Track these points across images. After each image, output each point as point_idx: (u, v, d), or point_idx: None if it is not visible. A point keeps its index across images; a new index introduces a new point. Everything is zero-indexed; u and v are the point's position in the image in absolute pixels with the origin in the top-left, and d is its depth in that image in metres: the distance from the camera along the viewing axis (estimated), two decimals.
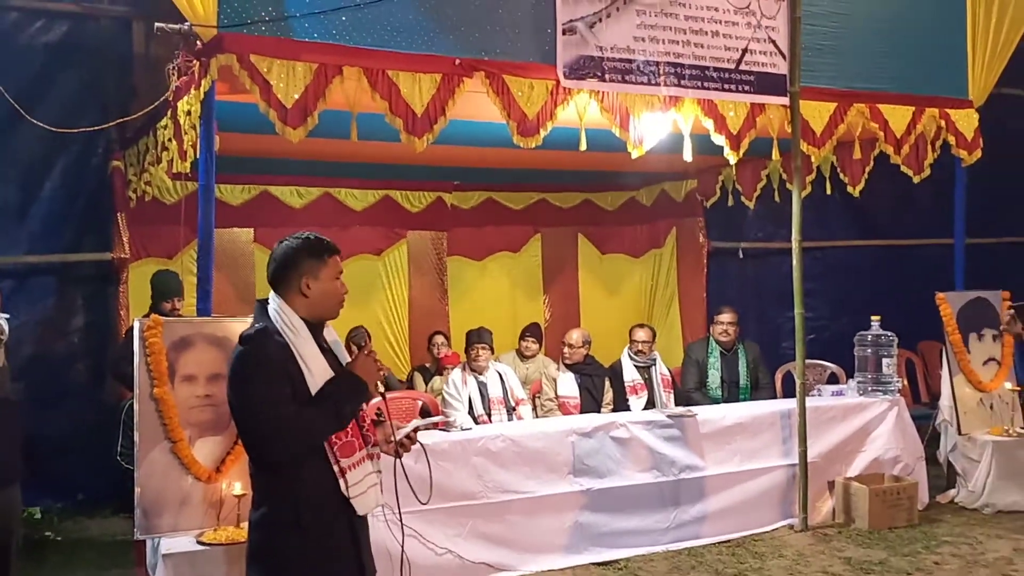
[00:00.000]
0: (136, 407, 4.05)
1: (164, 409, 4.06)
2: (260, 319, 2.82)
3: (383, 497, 2.91)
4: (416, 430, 3.06)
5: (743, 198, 7.62)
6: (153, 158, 5.40)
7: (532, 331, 7.15)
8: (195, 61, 4.31)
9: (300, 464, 2.71)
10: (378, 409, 3.01)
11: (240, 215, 7.27)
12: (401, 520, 2.97)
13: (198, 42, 4.25)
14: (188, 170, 4.70)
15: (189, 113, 4.44)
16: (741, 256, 8.50)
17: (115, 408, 5.80)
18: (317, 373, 2.77)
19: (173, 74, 4.57)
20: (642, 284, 9.06)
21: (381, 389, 2.89)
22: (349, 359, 2.94)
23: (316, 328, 2.88)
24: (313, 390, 2.75)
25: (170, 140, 4.93)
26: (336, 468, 2.75)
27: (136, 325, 4.12)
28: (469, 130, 5.44)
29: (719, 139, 5.36)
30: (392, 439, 2.97)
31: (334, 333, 2.99)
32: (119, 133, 6.09)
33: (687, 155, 5.30)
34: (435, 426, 4.59)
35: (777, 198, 7.18)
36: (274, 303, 2.84)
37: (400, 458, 2.95)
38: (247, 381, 2.70)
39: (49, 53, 6.13)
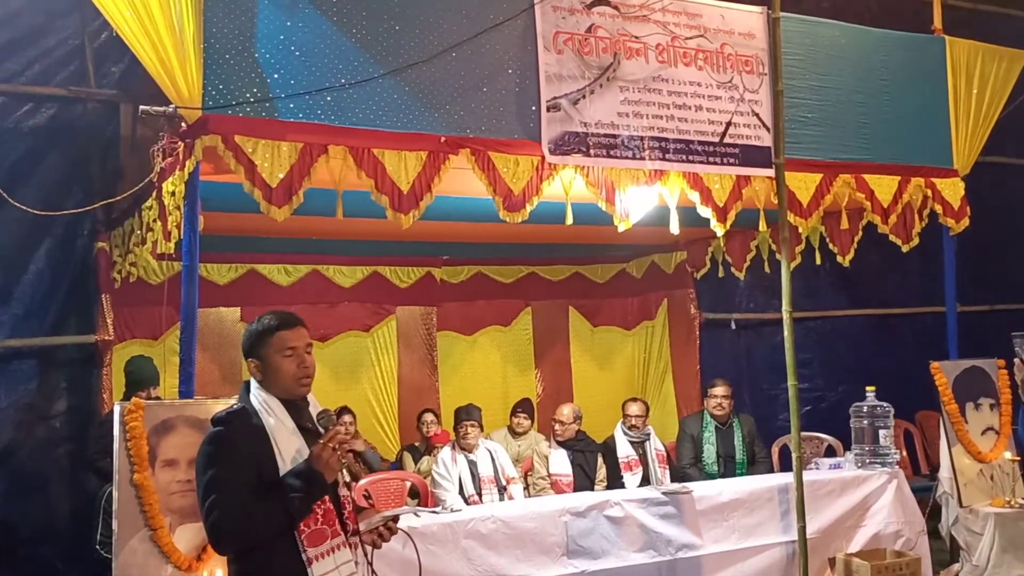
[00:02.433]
0: (115, 494, 3.94)
1: (144, 495, 3.95)
2: (242, 400, 2.79)
3: None
4: (395, 519, 2.93)
5: (733, 269, 7.60)
6: (138, 239, 5.36)
7: (524, 407, 7.05)
8: (180, 142, 4.29)
9: (273, 550, 2.62)
10: (366, 491, 2.93)
11: (227, 294, 7.20)
12: None
13: (183, 124, 4.23)
14: (172, 251, 4.65)
15: (173, 194, 4.41)
16: (733, 327, 8.45)
17: (96, 495, 5.65)
18: (288, 457, 2.69)
19: (158, 155, 4.56)
20: (634, 356, 8.98)
21: (347, 477, 2.79)
22: None
23: (296, 407, 2.81)
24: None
25: (155, 221, 4.89)
26: (304, 557, 2.65)
27: (116, 409, 4.03)
28: (456, 205, 5.43)
29: (706, 211, 5.36)
30: (372, 527, 2.86)
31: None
32: (104, 214, 6.05)
33: (674, 228, 5.29)
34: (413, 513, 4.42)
35: (767, 269, 7.17)
36: (254, 384, 2.82)
37: (378, 548, 2.84)
38: (205, 465, 2.64)
39: (35, 136, 6.09)
